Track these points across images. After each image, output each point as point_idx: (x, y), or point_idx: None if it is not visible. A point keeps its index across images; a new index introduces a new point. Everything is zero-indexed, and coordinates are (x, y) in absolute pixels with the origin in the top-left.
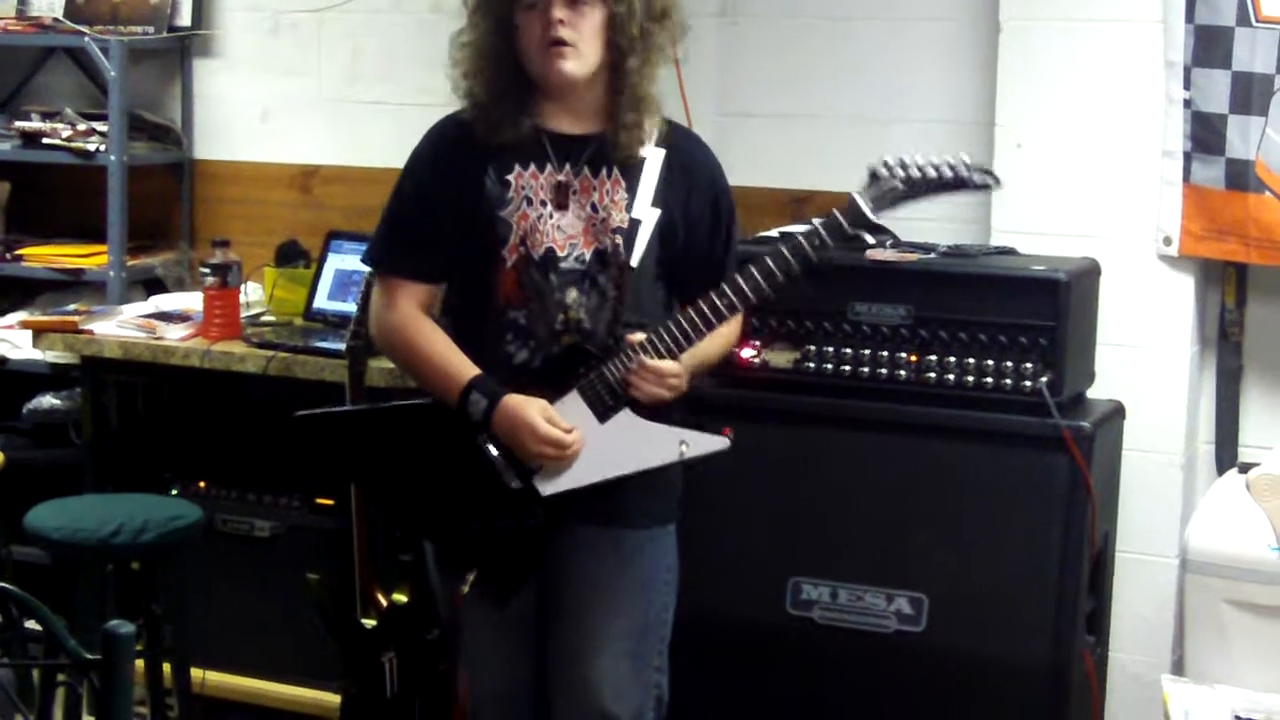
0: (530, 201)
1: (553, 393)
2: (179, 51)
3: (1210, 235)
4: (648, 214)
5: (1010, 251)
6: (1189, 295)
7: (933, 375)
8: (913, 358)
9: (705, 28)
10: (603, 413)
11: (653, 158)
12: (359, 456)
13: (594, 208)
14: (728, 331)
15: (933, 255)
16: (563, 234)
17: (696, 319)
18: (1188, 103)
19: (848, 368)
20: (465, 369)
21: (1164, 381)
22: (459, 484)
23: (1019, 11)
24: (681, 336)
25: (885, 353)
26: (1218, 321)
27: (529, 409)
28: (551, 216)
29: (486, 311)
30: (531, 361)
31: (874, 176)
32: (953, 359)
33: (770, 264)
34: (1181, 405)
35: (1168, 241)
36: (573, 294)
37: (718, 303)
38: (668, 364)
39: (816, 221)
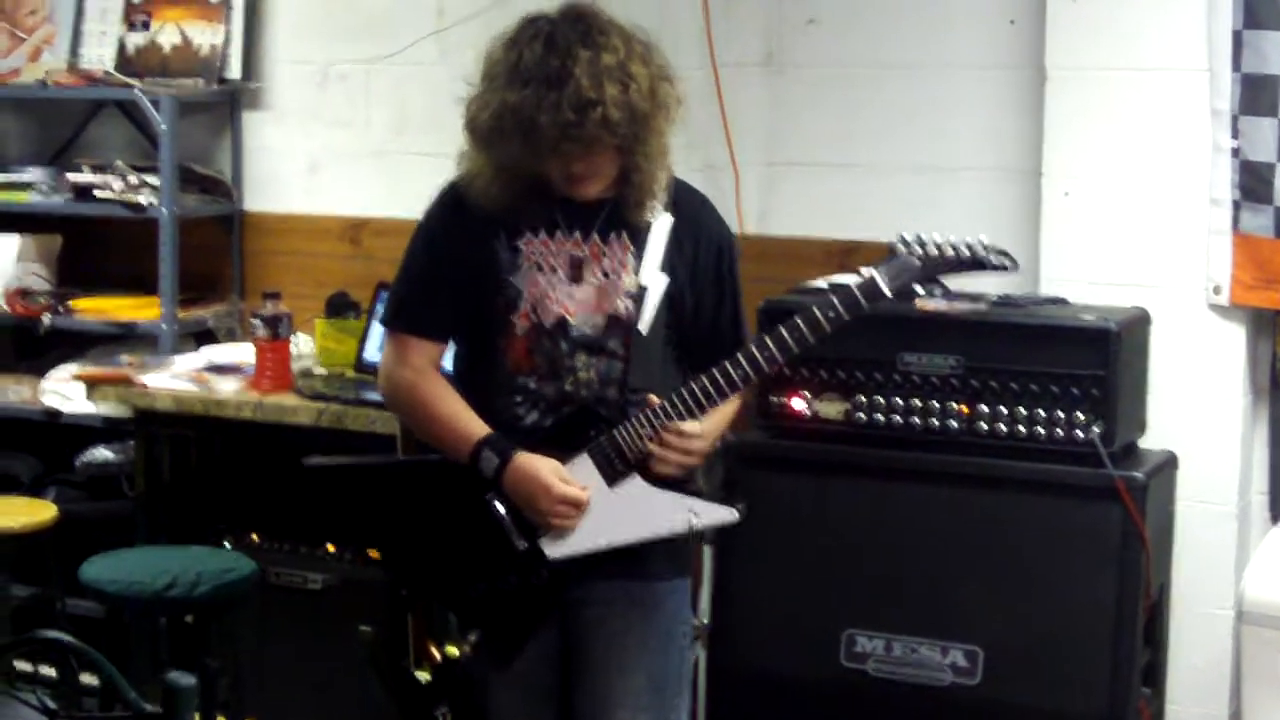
0: (541, 269)
1: (562, 455)
2: (228, 104)
3: (1260, 284)
4: (656, 280)
5: (1060, 301)
6: (1240, 344)
7: (984, 426)
8: (963, 408)
9: (751, 77)
10: (611, 477)
11: (660, 222)
12: (367, 509)
13: (605, 274)
14: (735, 404)
15: (982, 305)
16: (574, 302)
17: (711, 385)
18: (1235, 151)
19: (898, 418)
20: (477, 426)
21: (1216, 431)
22: (465, 542)
23: (1066, 60)
24: (700, 401)
25: (936, 403)
26: (1269, 370)
27: (542, 468)
28: (564, 284)
29: (496, 375)
30: (542, 423)
31: (892, 253)
32: (1004, 409)
33: (785, 336)
34: (1235, 455)
35: (1217, 290)
36: (582, 358)
37: (731, 371)
38: (692, 424)
39: (834, 296)
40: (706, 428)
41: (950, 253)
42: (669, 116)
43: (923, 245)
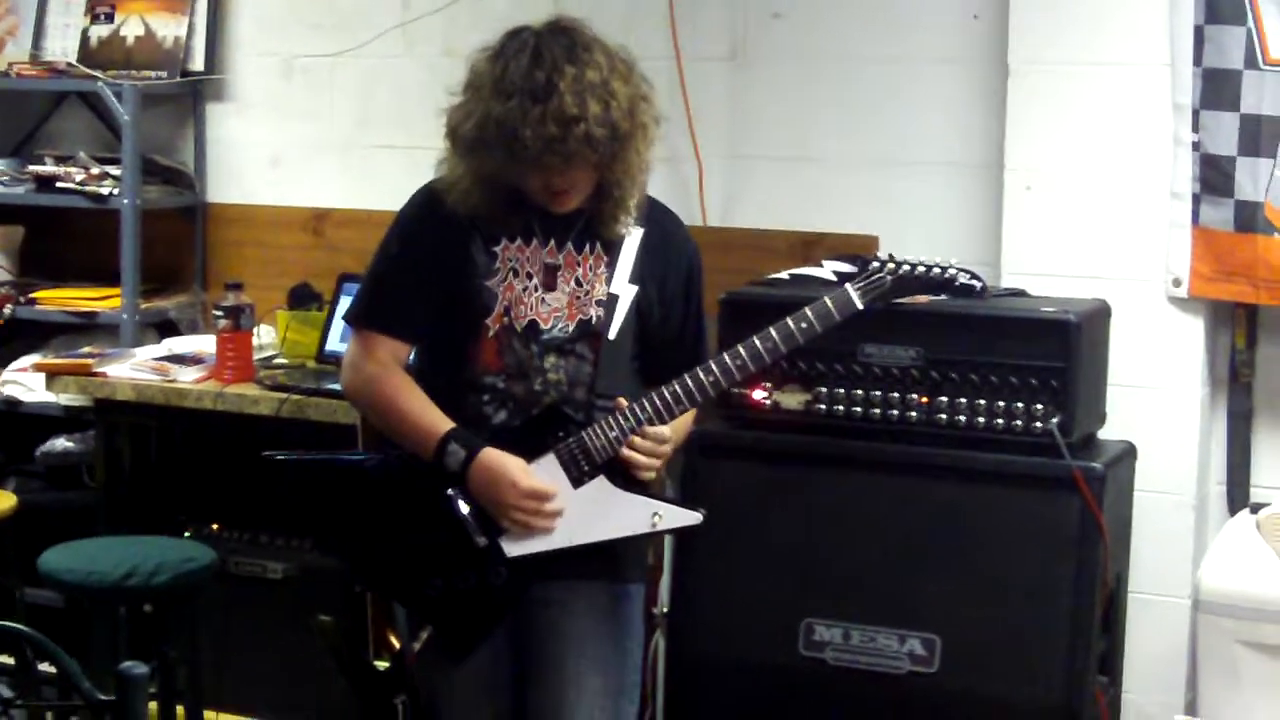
0: (516, 274)
1: (528, 455)
2: (192, 96)
3: (1219, 277)
4: (625, 290)
5: (1020, 293)
6: (1199, 336)
7: (943, 416)
8: (924, 399)
9: (715, 71)
10: (577, 478)
11: (632, 235)
12: (324, 504)
13: (578, 282)
14: (693, 412)
15: (943, 297)
16: (547, 308)
17: (682, 391)
18: (1196, 145)
19: (859, 409)
20: (442, 421)
21: (1175, 422)
22: (422, 539)
23: (1028, 55)
24: (670, 406)
25: (896, 394)
26: (1228, 362)
27: (509, 462)
28: (537, 290)
29: (463, 374)
30: (510, 422)
31: (865, 268)
32: (963, 400)
33: (758, 346)
34: (1193, 446)
35: (1177, 283)
36: (551, 359)
37: (703, 379)
38: (663, 429)
39: (808, 309)
40: (674, 434)
41: (921, 271)
42: (647, 136)
43: (897, 264)
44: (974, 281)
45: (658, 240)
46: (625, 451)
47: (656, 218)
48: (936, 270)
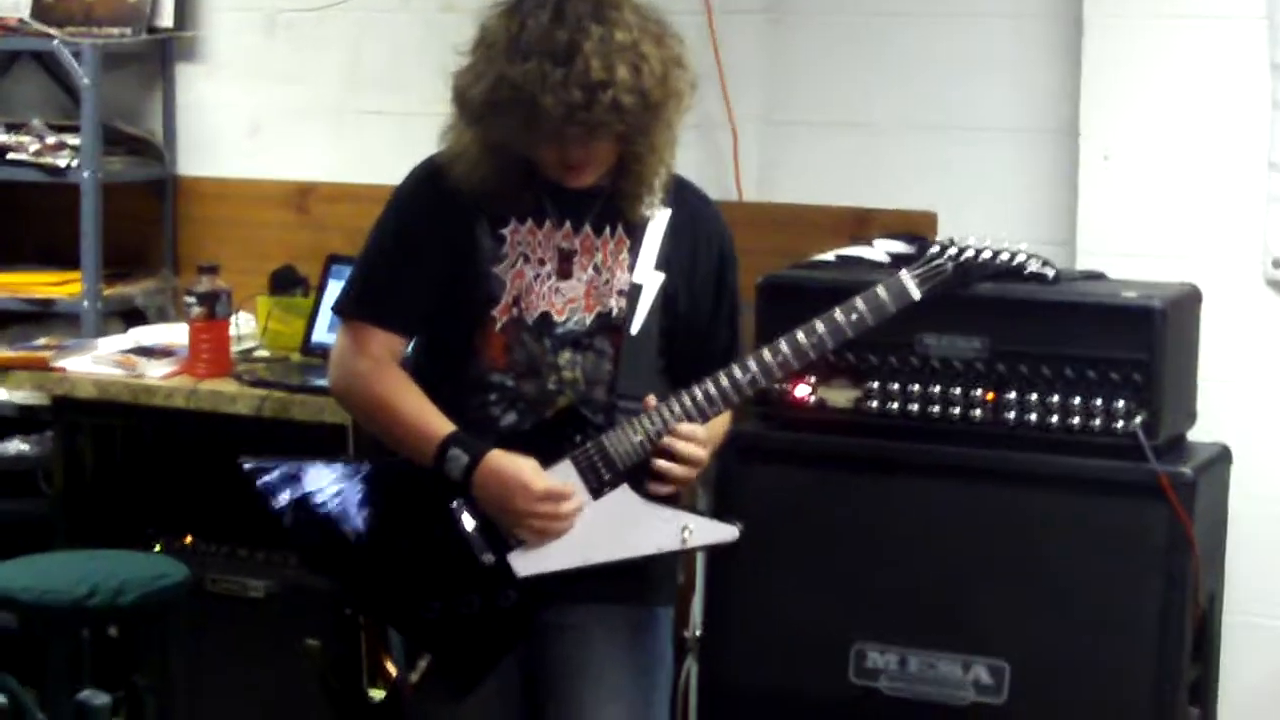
0: (527, 259)
1: (541, 461)
2: (159, 56)
3: None
4: (650, 277)
5: (1099, 276)
6: None
7: (1011, 415)
8: (989, 396)
9: (748, 27)
10: (596, 488)
11: (658, 217)
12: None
13: (596, 269)
14: (728, 417)
15: (1011, 281)
16: (562, 298)
17: (716, 390)
18: None
19: (915, 407)
20: (442, 423)
21: (1275, 421)
22: (421, 556)
23: (1106, 6)
24: (702, 407)
25: (958, 390)
26: None
27: (519, 464)
28: (550, 278)
29: (467, 372)
30: (520, 425)
31: (924, 253)
32: (1034, 397)
33: (801, 340)
34: None
35: (1276, 264)
36: (566, 355)
37: (739, 376)
38: (696, 426)
39: (858, 297)
40: (710, 436)
41: (986, 257)
42: (680, 105)
43: (960, 250)
44: (1046, 269)
45: (686, 222)
46: (657, 462)
47: (685, 197)
48: (1004, 256)
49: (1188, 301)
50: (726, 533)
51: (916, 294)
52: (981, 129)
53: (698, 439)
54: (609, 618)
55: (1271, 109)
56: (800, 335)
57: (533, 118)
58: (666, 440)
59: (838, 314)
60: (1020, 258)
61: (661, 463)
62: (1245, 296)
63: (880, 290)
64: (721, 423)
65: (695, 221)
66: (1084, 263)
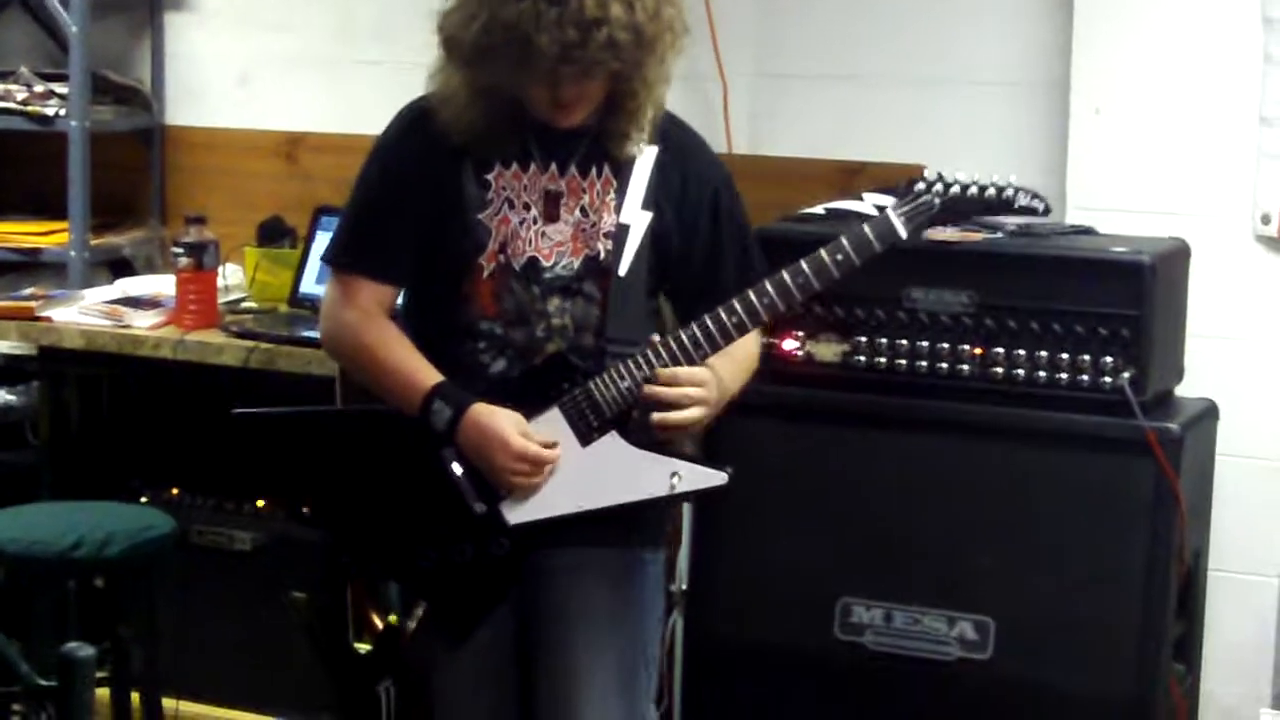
0: (512, 204)
1: (530, 409)
2: (148, 4)
3: None
4: (638, 217)
5: (1088, 231)
6: None
7: (999, 370)
8: (977, 351)
9: None
10: (585, 434)
11: (646, 155)
12: (302, 466)
13: (584, 211)
14: (746, 355)
15: (1000, 235)
16: (549, 242)
17: (701, 333)
18: None
19: (903, 361)
20: (429, 374)
21: (1262, 378)
22: (415, 505)
23: None
24: (688, 350)
25: (945, 345)
26: None
27: (500, 419)
28: (536, 222)
29: (455, 320)
30: (510, 372)
31: (911, 190)
32: (1022, 352)
33: (788, 281)
34: None
35: (1266, 220)
36: (555, 302)
37: (725, 319)
38: (680, 369)
39: (844, 239)
40: (703, 375)
41: (974, 192)
42: (674, 41)
43: (944, 184)
44: (1036, 202)
45: (674, 159)
46: (652, 416)
47: (671, 133)
48: (992, 190)
49: (1177, 257)
50: (715, 478)
51: (903, 232)
52: (972, 82)
53: (679, 380)
54: (599, 561)
55: (1263, 63)
56: (786, 276)
57: (526, 58)
58: (648, 390)
59: (824, 254)
60: (1008, 191)
61: (656, 415)
62: (1234, 252)
63: (866, 229)
64: (740, 364)
65: (684, 158)
66: (1074, 217)
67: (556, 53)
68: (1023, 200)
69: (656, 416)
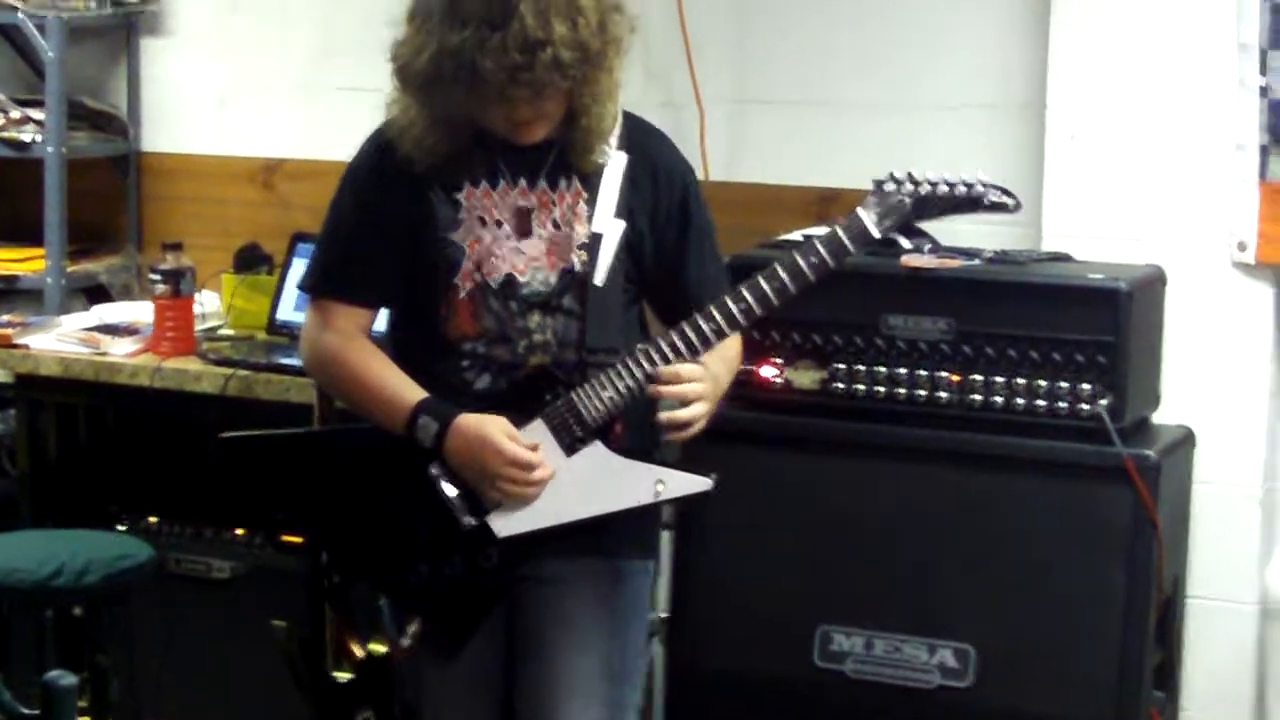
0: (484, 223)
1: (515, 422)
2: (125, 29)
3: None
4: (611, 226)
5: (1064, 258)
6: (1268, 307)
7: (977, 397)
8: (955, 377)
9: (716, 6)
10: (570, 445)
11: (614, 163)
12: (292, 487)
13: (555, 224)
14: (735, 354)
15: (977, 262)
16: (524, 257)
17: (680, 340)
18: (1264, 90)
19: (881, 389)
20: (413, 392)
21: (1240, 405)
22: (404, 521)
23: None
24: (667, 358)
25: (923, 372)
26: None
27: (489, 426)
28: (510, 238)
29: (438, 341)
30: (496, 386)
31: (880, 191)
32: (1000, 379)
33: (764, 286)
34: (1260, 432)
35: (1242, 247)
36: (535, 318)
37: (703, 325)
38: (680, 366)
39: (816, 239)
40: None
41: (944, 190)
42: (620, 50)
43: (914, 183)
44: (1006, 199)
45: (643, 162)
46: (661, 416)
47: (638, 137)
48: (962, 187)
49: (1153, 283)
50: (700, 484)
51: (876, 232)
52: (948, 108)
53: (682, 377)
54: (587, 571)
55: (1239, 89)
56: (761, 281)
57: (474, 84)
58: (652, 390)
59: (798, 258)
60: (978, 188)
61: (664, 415)
62: (1211, 279)
63: (839, 230)
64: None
65: (652, 160)
66: (1050, 244)
67: (503, 77)
68: (993, 197)
69: (665, 416)
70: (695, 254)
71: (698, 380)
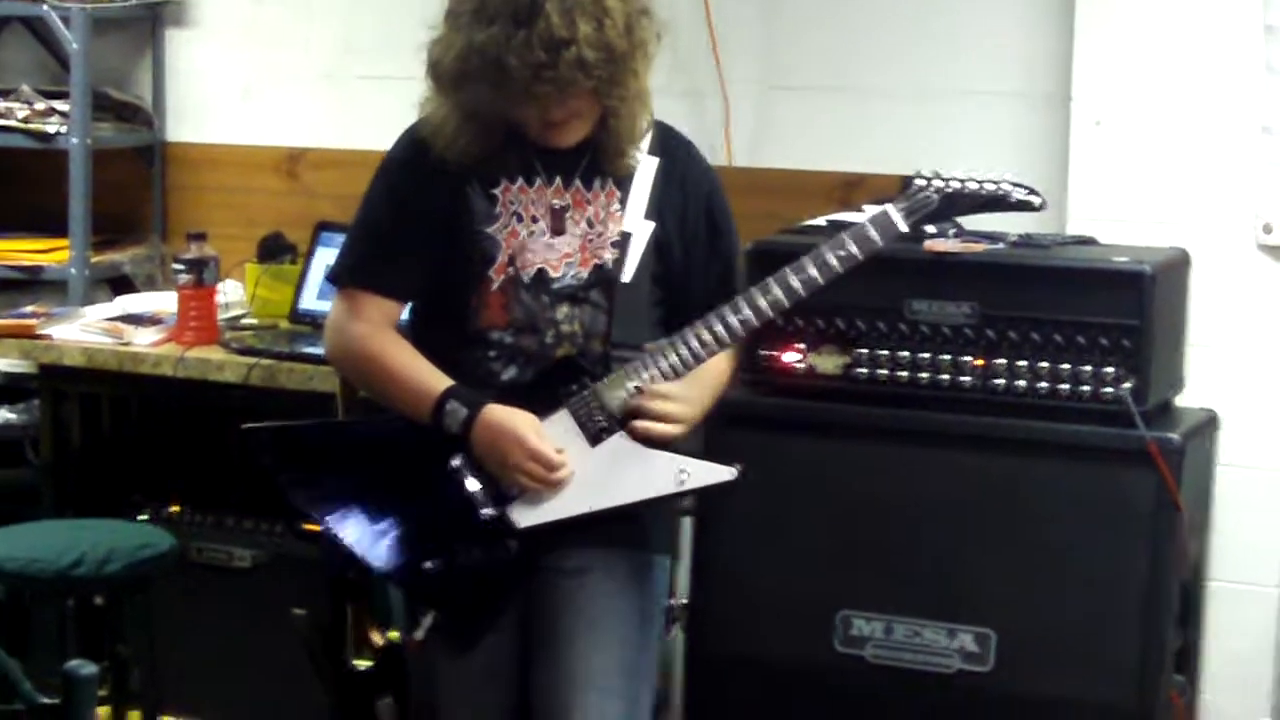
0: (520, 218)
1: (540, 412)
2: (149, 20)
3: None
4: (640, 226)
5: (1089, 241)
6: None
7: (1001, 381)
8: (978, 362)
9: None
10: (594, 435)
11: (644, 166)
12: (312, 477)
13: (589, 223)
14: (724, 366)
15: (1001, 245)
16: (557, 254)
17: (708, 332)
18: None
19: (904, 373)
20: (439, 379)
21: (1263, 387)
22: (420, 512)
23: None
24: (694, 350)
25: (947, 356)
26: None
27: (518, 418)
28: (544, 235)
29: (466, 331)
30: (522, 377)
31: (909, 186)
32: (1023, 363)
33: (791, 279)
34: None
35: (1268, 229)
36: (564, 309)
37: (730, 318)
38: (670, 386)
39: (845, 234)
40: (689, 392)
41: (972, 187)
42: (647, 55)
43: (943, 180)
44: (1032, 197)
45: (674, 168)
46: (635, 425)
47: (669, 145)
48: (989, 185)
49: (1177, 266)
50: (723, 473)
51: (904, 226)
52: (973, 94)
53: (670, 396)
54: (606, 562)
55: (1264, 72)
56: (790, 274)
57: (501, 81)
58: (634, 402)
59: (826, 252)
60: (1004, 186)
61: (640, 424)
62: (1235, 262)
63: (867, 225)
64: (713, 371)
65: (683, 167)
66: (1074, 228)
67: (528, 75)
68: (1019, 195)
69: (640, 425)
70: (719, 263)
71: (681, 401)
